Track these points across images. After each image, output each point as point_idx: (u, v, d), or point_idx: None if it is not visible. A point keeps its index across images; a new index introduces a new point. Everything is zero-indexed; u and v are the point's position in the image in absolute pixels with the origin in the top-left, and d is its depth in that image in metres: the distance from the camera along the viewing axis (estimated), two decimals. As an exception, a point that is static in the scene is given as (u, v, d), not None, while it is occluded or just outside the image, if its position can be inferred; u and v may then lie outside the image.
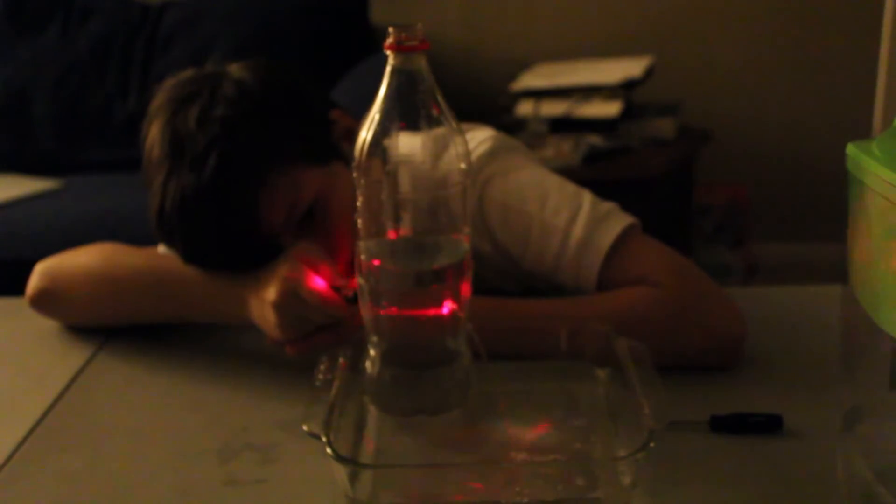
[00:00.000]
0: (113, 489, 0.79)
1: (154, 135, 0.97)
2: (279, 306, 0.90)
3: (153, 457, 0.83)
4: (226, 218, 0.94)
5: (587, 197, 0.98)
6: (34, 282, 1.07)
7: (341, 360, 0.83)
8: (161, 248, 1.08)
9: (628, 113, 2.41)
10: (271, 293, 0.91)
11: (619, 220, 0.96)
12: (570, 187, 1.00)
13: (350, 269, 0.85)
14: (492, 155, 1.02)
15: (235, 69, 0.99)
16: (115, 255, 1.06)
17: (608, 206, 0.98)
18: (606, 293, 0.96)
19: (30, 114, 2.53)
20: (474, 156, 1.00)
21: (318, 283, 0.90)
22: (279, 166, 0.94)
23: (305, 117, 1.00)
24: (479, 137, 1.04)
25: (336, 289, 0.90)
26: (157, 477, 0.80)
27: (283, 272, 0.90)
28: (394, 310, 0.79)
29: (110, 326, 1.07)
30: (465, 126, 1.07)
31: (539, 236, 0.98)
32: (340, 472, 0.71)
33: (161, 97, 0.99)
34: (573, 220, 0.96)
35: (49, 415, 0.92)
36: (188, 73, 1.01)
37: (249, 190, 0.93)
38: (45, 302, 1.07)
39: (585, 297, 0.96)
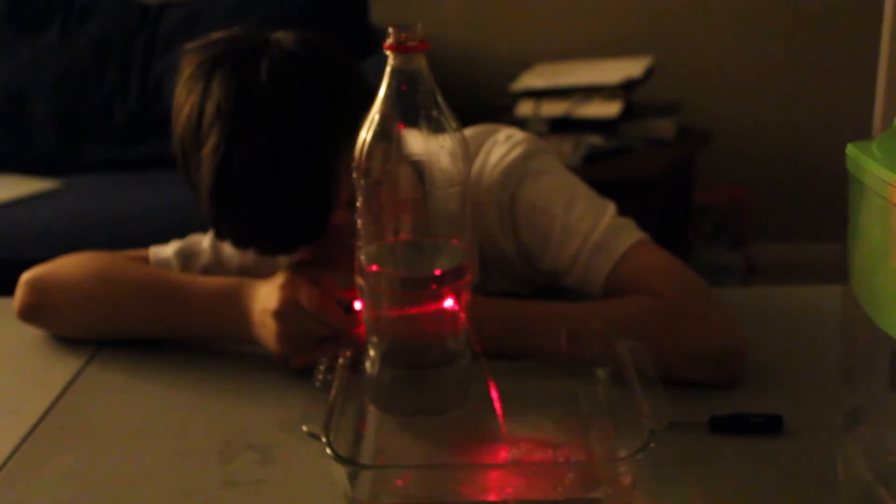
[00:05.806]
0: (113, 489, 0.79)
1: (201, 93, 0.89)
2: (280, 315, 0.90)
3: (153, 457, 0.83)
4: (303, 182, 0.87)
5: (610, 208, 1.01)
6: (22, 294, 1.05)
7: (341, 360, 0.83)
8: (152, 253, 1.07)
9: (628, 113, 2.41)
10: (272, 302, 0.91)
11: (634, 233, 0.99)
12: (597, 197, 1.03)
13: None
14: (526, 158, 1.04)
15: (283, 37, 0.96)
16: (109, 270, 1.04)
17: (627, 220, 1.01)
18: (606, 300, 0.97)
19: (29, 114, 2.53)
20: (510, 157, 1.03)
21: (317, 292, 0.90)
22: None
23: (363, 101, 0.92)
24: (516, 139, 1.06)
25: (337, 300, 0.90)
26: (157, 477, 0.80)
27: (284, 282, 0.91)
28: (394, 311, 0.79)
29: (103, 339, 1.05)
30: (500, 127, 1.09)
31: (560, 238, 0.99)
32: (340, 472, 0.71)
33: (198, 57, 0.92)
34: (594, 226, 0.98)
35: (49, 415, 0.92)
36: (229, 32, 0.95)
37: (331, 155, 0.87)
38: (36, 315, 1.06)
39: (585, 303, 0.97)
